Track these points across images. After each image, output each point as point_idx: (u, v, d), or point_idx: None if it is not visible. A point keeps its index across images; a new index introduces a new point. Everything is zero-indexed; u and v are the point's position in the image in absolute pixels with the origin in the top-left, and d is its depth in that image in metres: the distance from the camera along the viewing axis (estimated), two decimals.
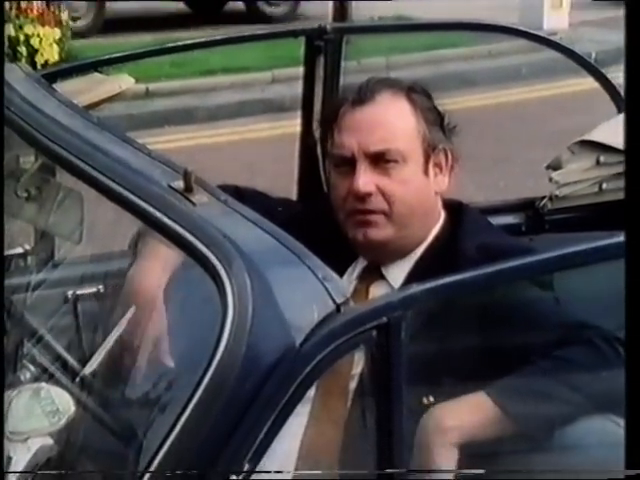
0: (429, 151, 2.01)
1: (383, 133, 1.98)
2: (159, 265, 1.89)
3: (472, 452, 1.75)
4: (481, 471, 1.63)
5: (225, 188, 1.82)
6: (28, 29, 8.81)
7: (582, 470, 1.64)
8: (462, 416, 1.75)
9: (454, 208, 2.07)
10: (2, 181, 1.98)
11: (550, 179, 2.62)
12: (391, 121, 2.00)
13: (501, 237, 2.14)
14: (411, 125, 2.00)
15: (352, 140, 1.99)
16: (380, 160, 1.97)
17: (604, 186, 2.66)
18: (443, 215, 2.06)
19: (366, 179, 1.96)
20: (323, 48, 2.68)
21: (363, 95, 2.01)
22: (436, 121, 2.04)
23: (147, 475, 1.36)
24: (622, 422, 1.73)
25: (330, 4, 6.46)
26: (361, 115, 2.00)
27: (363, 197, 1.96)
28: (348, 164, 1.98)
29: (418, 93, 2.04)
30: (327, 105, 2.64)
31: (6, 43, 8.66)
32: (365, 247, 2.01)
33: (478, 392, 1.76)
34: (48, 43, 8.80)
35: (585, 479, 1.60)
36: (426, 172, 2.01)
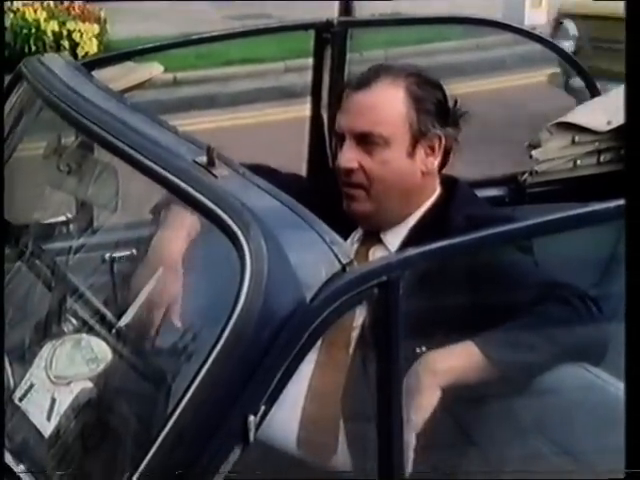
0: (417, 136, 1.96)
1: (369, 117, 1.95)
2: (182, 232, 1.88)
3: (460, 396, 1.75)
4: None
5: (243, 164, 1.81)
6: (70, 25, 8.78)
7: (582, 470, 1.63)
8: (451, 361, 1.74)
9: (448, 183, 2.06)
10: (2, 178, 1.98)
11: (530, 156, 2.62)
12: (379, 107, 1.96)
13: (485, 208, 2.13)
14: (399, 112, 1.96)
15: (344, 120, 1.98)
16: (364, 141, 1.95)
17: (578, 162, 2.65)
18: (439, 189, 2.04)
19: (350, 156, 1.95)
20: (330, 40, 2.66)
21: (362, 81, 1.99)
22: (432, 110, 1.98)
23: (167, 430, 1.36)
24: (594, 369, 1.74)
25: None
26: (356, 99, 1.98)
27: (346, 172, 1.96)
28: (340, 141, 1.98)
29: (418, 82, 1.99)
30: (333, 92, 2.63)
31: (50, 37, 8.65)
32: (352, 217, 2.01)
33: (466, 341, 1.75)
34: (88, 37, 8.76)
35: (585, 479, 1.59)
36: (412, 155, 1.97)
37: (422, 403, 1.68)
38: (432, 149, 1.99)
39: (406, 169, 1.98)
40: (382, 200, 1.97)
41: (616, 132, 2.60)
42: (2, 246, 1.95)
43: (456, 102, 2.05)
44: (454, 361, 1.74)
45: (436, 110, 1.99)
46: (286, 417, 1.80)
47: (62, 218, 2.37)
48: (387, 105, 1.97)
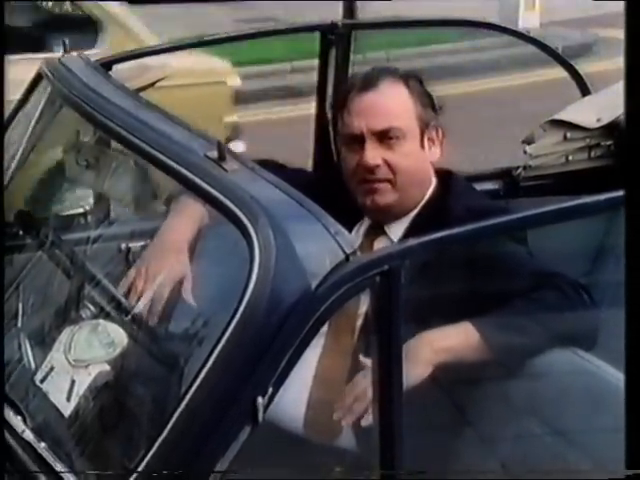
0: (423, 128, 2.00)
1: (386, 114, 1.97)
2: (189, 221, 1.88)
3: (456, 378, 1.75)
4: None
5: (253, 159, 1.80)
6: None
7: (582, 470, 1.62)
8: (450, 340, 1.74)
9: (444, 175, 2.06)
10: (2, 179, 1.97)
11: (524, 152, 2.62)
12: (392, 104, 1.99)
13: (482, 200, 2.13)
14: (408, 107, 1.99)
15: (360, 121, 1.97)
16: (384, 137, 1.96)
17: (570, 158, 2.65)
18: (434, 181, 2.05)
19: (374, 154, 1.95)
20: (335, 42, 2.66)
21: (368, 82, 2.00)
22: (428, 103, 2.03)
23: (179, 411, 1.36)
24: (584, 354, 1.74)
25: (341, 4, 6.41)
26: (367, 99, 1.99)
27: (372, 169, 1.96)
28: (357, 141, 1.97)
29: (413, 80, 2.03)
30: (337, 91, 2.62)
31: None
32: (372, 210, 2.01)
33: (464, 322, 1.75)
34: None
35: (585, 479, 1.59)
36: (422, 145, 2.00)
37: (418, 376, 1.68)
38: (433, 141, 2.02)
39: (421, 159, 2.01)
40: (405, 190, 1.98)
41: (606, 129, 2.59)
42: (2, 246, 1.94)
43: None
44: (452, 340, 1.74)
45: (431, 104, 2.02)
46: (294, 399, 1.80)
47: (80, 210, 2.37)
48: (398, 101, 1.99)
